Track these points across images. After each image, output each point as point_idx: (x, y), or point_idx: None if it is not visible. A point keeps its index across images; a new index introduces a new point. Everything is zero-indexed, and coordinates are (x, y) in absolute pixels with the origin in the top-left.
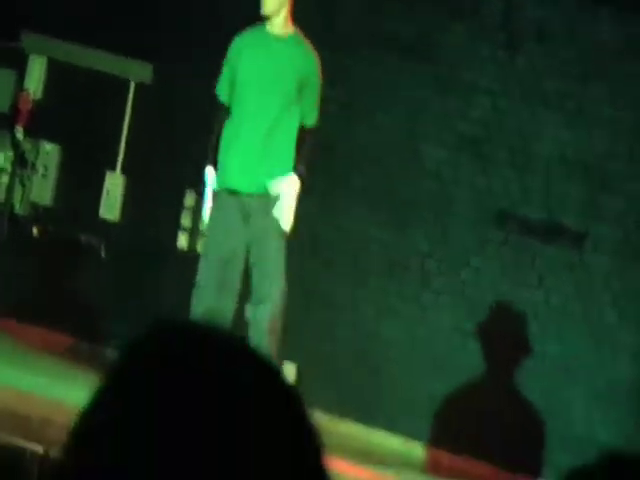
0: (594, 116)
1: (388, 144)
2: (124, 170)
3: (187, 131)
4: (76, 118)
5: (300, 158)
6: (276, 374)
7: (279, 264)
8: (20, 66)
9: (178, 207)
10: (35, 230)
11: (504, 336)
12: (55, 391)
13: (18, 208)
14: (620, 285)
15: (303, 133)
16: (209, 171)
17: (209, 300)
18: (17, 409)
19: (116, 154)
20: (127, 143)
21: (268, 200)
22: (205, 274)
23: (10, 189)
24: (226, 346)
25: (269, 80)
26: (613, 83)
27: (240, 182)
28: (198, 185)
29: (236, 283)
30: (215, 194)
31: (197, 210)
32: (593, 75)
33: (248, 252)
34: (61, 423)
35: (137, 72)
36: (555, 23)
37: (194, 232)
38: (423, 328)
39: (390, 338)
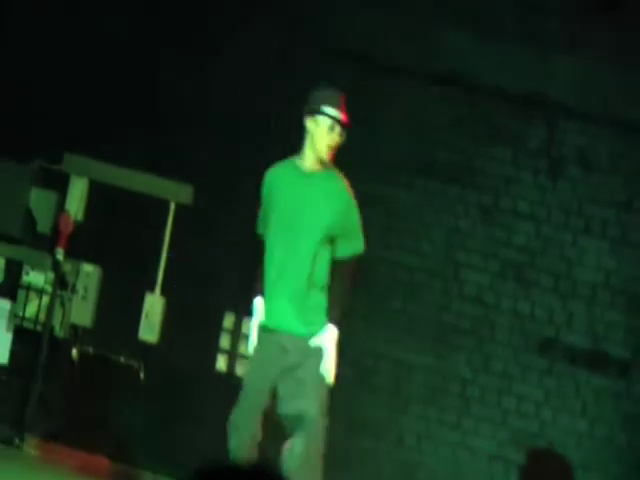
0: (638, 244)
1: (430, 270)
2: (163, 291)
3: (227, 253)
4: (116, 239)
5: (335, 300)
6: None
7: (316, 397)
8: (62, 187)
9: (217, 329)
10: (75, 352)
11: (547, 466)
12: None
13: (58, 330)
14: None
15: (342, 266)
16: (257, 302)
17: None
18: None
19: (155, 275)
20: (166, 264)
21: (306, 343)
22: (240, 413)
23: (50, 311)
24: None
25: (303, 220)
26: None
27: (278, 324)
28: (237, 308)
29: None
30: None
31: (236, 332)
32: (636, 202)
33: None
34: None
35: (177, 193)
36: (598, 150)
37: (233, 355)
38: (464, 455)
39: (432, 465)
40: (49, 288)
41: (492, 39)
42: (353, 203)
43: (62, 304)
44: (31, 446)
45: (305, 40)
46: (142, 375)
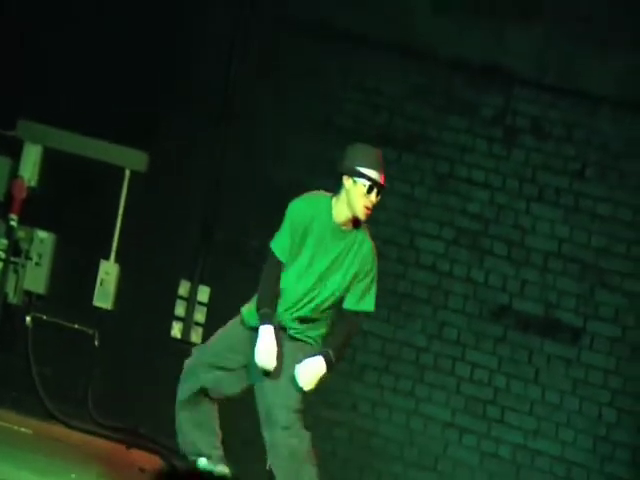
0: (591, 213)
1: (385, 238)
2: (118, 259)
3: (181, 221)
4: (71, 206)
5: (335, 340)
6: None
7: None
8: (16, 154)
9: (172, 297)
10: (28, 319)
11: (499, 432)
12: None
13: (12, 297)
14: (618, 383)
15: (350, 316)
16: (266, 329)
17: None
18: None
19: (110, 242)
20: (121, 232)
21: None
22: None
23: (3, 277)
24: None
25: (329, 275)
26: (610, 181)
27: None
28: (192, 276)
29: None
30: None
31: (191, 300)
32: (589, 171)
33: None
34: None
35: (132, 160)
36: (552, 119)
37: (187, 322)
38: (418, 422)
39: (386, 432)
40: (2, 255)
41: (448, 10)
42: (376, 264)
43: (16, 271)
44: None
45: (263, 10)
46: (96, 341)
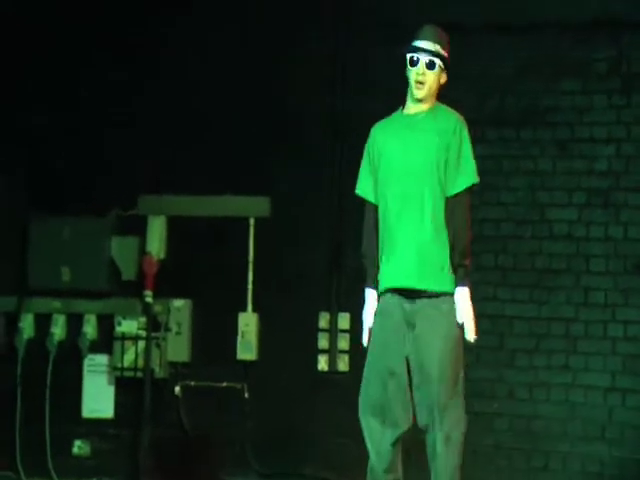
0: None
1: (517, 219)
2: (255, 308)
3: (309, 255)
4: (201, 268)
5: (458, 242)
6: None
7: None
8: (141, 230)
9: (313, 331)
10: (177, 389)
11: None
12: None
13: (158, 372)
14: None
15: (458, 199)
16: (369, 293)
17: (373, 425)
18: None
19: (245, 293)
20: (254, 279)
21: (433, 302)
22: (365, 396)
23: (147, 355)
24: None
25: (413, 164)
26: None
27: (402, 281)
28: (329, 305)
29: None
30: (379, 298)
31: (332, 330)
32: None
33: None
34: None
35: (255, 208)
36: None
37: (332, 352)
38: (578, 394)
39: (546, 412)
40: (143, 333)
41: None
42: (462, 135)
43: (158, 345)
44: None
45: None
46: (246, 394)
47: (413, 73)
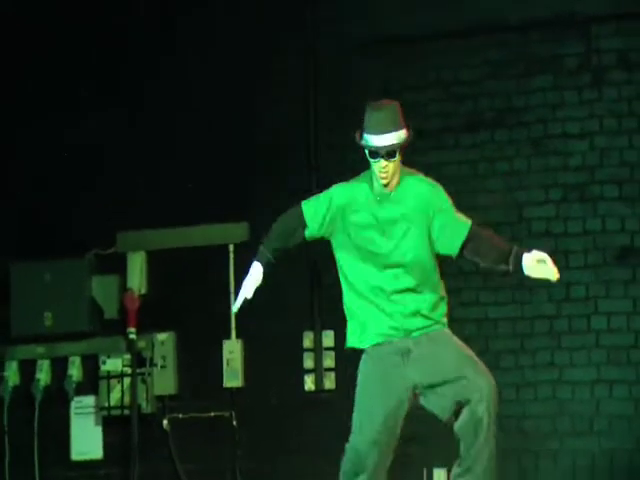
0: None
1: (496, 222)
2: (239, 334)
3: (290, 275)
4: (182, 299)
5: (498, 244)
6: None
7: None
8: (121, 266)
9: (297, 351)
10: (165, 422)
11: None
12: None
13: (145, 407)
14: None
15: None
16: (255, 265)
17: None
18: None
19: (228, 320)
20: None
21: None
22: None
23: (134, 392)
24: None
25: (402, 262)
26: None
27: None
28: (313, 324)
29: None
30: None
31: (317, 349)
32: None
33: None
34: None
35: (234, 234)
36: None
37: (319, 371)
38: (565, 390)
39: (534, 412)
40: (128, 370)
41: None
42: (440, 198)
43: (144, 381)
44: None
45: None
46: (234, 422)
47: (376, 167)
